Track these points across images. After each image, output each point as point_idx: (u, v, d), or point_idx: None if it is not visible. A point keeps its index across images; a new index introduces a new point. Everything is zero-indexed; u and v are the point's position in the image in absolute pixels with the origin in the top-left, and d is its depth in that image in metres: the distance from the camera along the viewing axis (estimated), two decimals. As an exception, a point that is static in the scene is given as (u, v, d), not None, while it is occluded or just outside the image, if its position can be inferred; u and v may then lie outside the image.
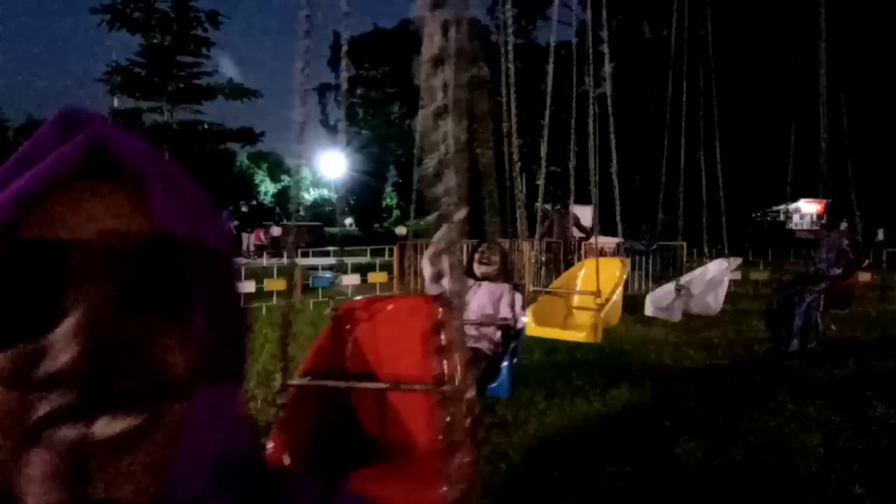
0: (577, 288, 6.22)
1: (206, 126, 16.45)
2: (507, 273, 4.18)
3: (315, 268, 12.02)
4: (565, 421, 4.40)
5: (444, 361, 2.52)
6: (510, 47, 5.15)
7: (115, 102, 17.57)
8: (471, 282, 4.07)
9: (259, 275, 9.68)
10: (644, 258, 10.81)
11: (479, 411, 2.00)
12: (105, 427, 0.36)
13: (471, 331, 3.76)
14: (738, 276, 10.02)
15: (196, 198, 0.43)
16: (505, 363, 3.67)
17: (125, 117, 17.50)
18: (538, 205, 8.30)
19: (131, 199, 0.40)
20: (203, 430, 0.40)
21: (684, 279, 8.17)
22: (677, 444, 3.90)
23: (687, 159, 9.76)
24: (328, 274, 10.41)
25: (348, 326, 2.75)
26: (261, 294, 8.78)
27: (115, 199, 0.40)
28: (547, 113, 6.45)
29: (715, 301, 7.92)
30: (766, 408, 4.60)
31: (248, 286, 8.72)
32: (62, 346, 0.36)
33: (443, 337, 2.58)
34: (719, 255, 9.75)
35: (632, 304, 8.08)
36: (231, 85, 15.45)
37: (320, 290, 9.75)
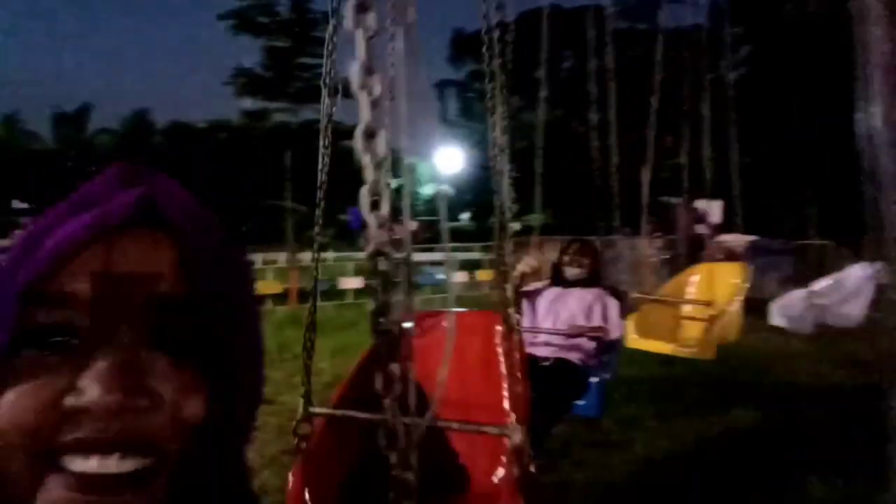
0: (688, 296, 5.53)
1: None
2: (599, 276, 3.74)
3: (422, 264, 12.00)
4: (677, 444, 3.94)
5: (503, 395, 2.18)
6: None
7: (249, 104, 18.57)
8: (558, 288, 3.72)
9: (366, 270, 9.73)
10: (778, 259, 9.79)
11: (531, 459, 1.67)
12: (118, 464, 0.39)
13: (556, 340, 3.41)
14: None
15: (230, 253, 0.46)
16: (596, 378, 3.29)
17: (253, 118, 18.46)
18: (663, 199, 7.69)
19: (171, 250, 0.43)
20: (206, 480, 0.43)
21: (819, 285, 7.20)
22: (810, 483, 3.35)
23: (832, 147, 8.71)
24: (435, 271, 10.31)
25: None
26: (368, 289, 8.81)
27: (155, 249, 0.43)
28: (648, 98, 5.87)
29: (854, 312, 6.87)
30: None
31: (355, 282, 8.79)
32: (89, 383, 0.38)
33: (502, 363, 2.23)
34: (872, 254, 8.61)
35: (762, 310, 7.32)
36: (347, 83, 15.84)
37: (429, 289, 9.66)
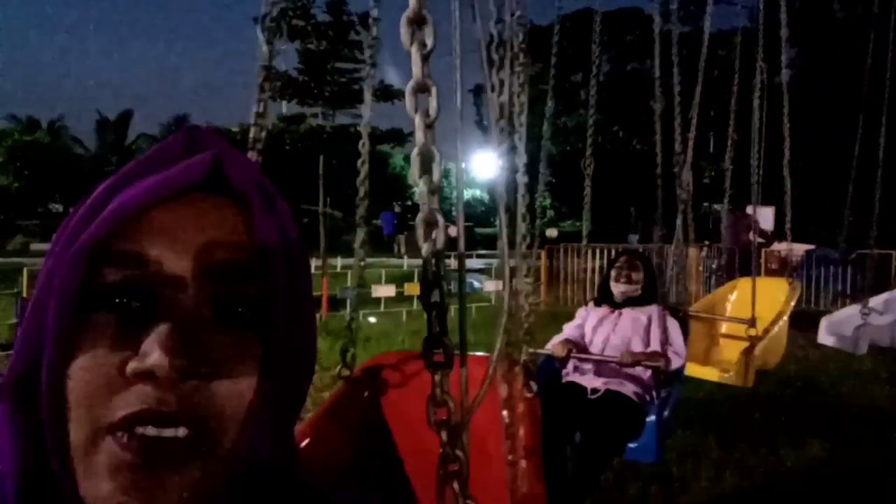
0: (727, 312, 4.99)
1: (358, 128, 16.81)
2: (655, 292, 3.23)
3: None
4: (747, 479, 3.50)
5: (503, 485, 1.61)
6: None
7: (284, 109, 18.53)
8: (605, 308, 3.24)
9: (398, 278, 9.41)
10: (838, 270, 9.18)
11: None
12: (174, 431, 0.38)
13: (606, 368, 2.96)
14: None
15: (290, 223, 0.45)
16: (652, 416, 2.80)
17: (290, 122, 18.40)
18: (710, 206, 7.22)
19: (236, 217, 0.43)
20: (257, 456, 0.41)
21: (875, 301, 6.52)
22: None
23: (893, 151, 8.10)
24: (471, 278, 9.92)
25: (366, 395, 1.93)
26: (401, 298, 8.48)
27: (221, 214, 0.42)
28: (693, 101, 5.43)
29: None
30: None
31: (388, 290, 8.46)
32: (151, 346, 0.37)
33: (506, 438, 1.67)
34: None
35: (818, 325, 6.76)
36: (382, 87, 15.65)
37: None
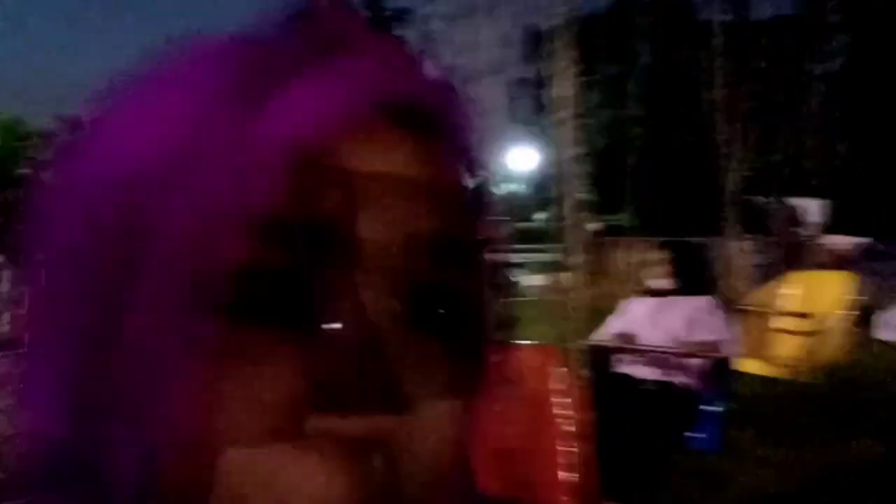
0: (782, 306, 4.91)
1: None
2: (705, 283, 3.27)
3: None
4: (791, 479, 3.44)
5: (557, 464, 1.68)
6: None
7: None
8: (652, 300, 3.26)
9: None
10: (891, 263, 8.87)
11: None
12: None
13: (658, 359, 2.98)
14: None
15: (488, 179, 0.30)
16: (710, 407, 2.83)
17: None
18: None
19: (433, 162, 0.27)
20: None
21: None
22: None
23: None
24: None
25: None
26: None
27: (411, 160, 0.26)
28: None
29: None
30: None
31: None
32: (337, 387, 0.24)
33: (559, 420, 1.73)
34: None
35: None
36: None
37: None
